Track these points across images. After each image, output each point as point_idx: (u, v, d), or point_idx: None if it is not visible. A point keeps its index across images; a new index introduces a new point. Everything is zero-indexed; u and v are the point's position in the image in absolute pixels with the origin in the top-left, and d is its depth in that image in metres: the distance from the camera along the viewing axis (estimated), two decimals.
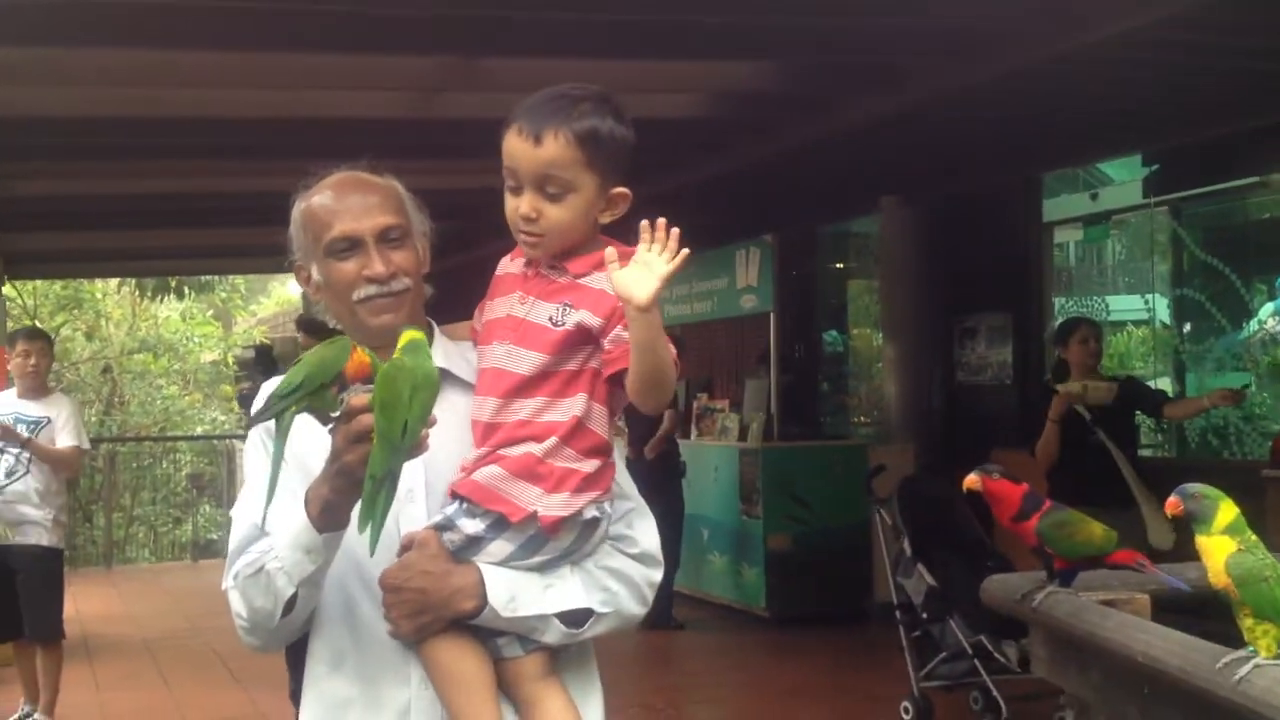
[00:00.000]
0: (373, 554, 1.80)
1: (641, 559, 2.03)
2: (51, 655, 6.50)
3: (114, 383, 20.58)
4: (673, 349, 1.85)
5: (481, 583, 1.87)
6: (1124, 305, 12.24)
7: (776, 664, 8.22)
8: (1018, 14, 5.67)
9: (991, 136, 7.98)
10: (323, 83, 6.53)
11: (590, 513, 1.91)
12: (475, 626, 1.88)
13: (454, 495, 1.91)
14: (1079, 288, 12.24)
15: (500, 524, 1.88)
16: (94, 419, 20.88)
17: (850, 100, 7.29)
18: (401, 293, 2.00)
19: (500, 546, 1.89)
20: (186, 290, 17.95)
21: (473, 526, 1.88)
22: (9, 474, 6.39)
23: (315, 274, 2.04)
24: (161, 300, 19.39)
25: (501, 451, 1.88)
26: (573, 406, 1.88)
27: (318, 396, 1.81)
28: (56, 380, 20.16)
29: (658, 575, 2.05)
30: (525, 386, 1.89)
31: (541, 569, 1.91)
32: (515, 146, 1.87)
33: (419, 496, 1.96)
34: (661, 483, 8.89)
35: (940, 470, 8.11)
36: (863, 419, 11.93)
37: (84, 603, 10.39)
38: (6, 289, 18.48)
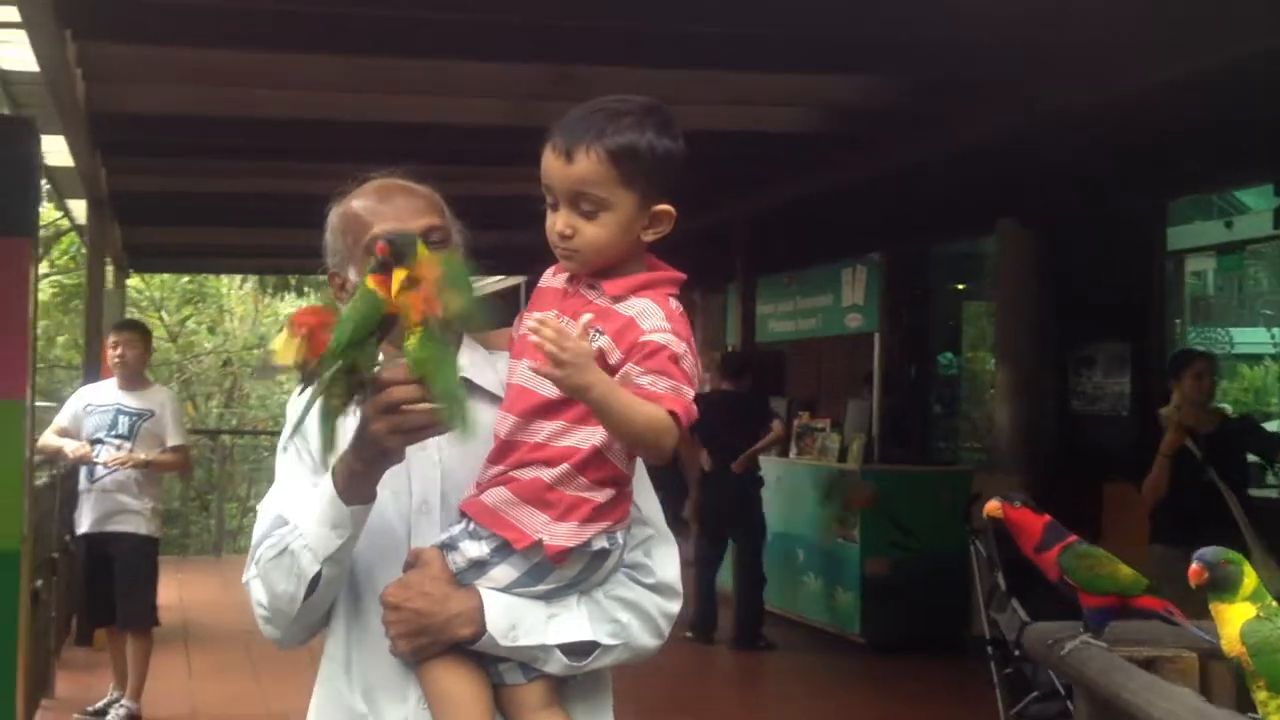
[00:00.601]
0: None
1: (658, 589, 1.93)
2: (141, 642, 6.59)
3: (234, 377, 21.07)
4: (672, 405, 1.73)
5: (481, 609, 1.80)
6: (1253, 338, 11.77)
7: (867, 692, 8.03)
8: (1144, 31, 5.45)
9: (1115, 158, 7.71)
10: (428, 88, 6.56)
11: (599, 543, 1.82)
12: (477, 651, 1.81)
13: (462, 514, 1.85)
14: (1207, 318, 11.79)
15: (504, 549, 1.80)
16: (214, 411, 21.38)
17: (966, 117, 7.12)
18: None
19: (504, 572, 1.81)
20: (306, 289, 18.29)
21: (476, 549, 1.81)
22: (108, 465, 6.49)
23: (353, 276, 1.98)
24: (282, 297, 19.80)
25: (513, 473, 1.81)
26: (593, 435, 1.78)
27: (363, 351, 1.72)
28: (179, 372, 20.77)
29: (674, 607, 1.95)
30: (547, 409, 1.80)
31: (546, 597, 1.84)
32: (549, 164, 1.81)
33: (434, 509, 1.90)
34: (746, 497, 8.88)
35: (1042, 503, 7.85)
36: (970, 445, 11.64)
37: (189, 590, 10.58)
38: (133, 281, 19.09)
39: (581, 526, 1.78)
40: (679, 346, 1.78)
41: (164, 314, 20.64)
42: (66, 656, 8.03)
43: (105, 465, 6.45)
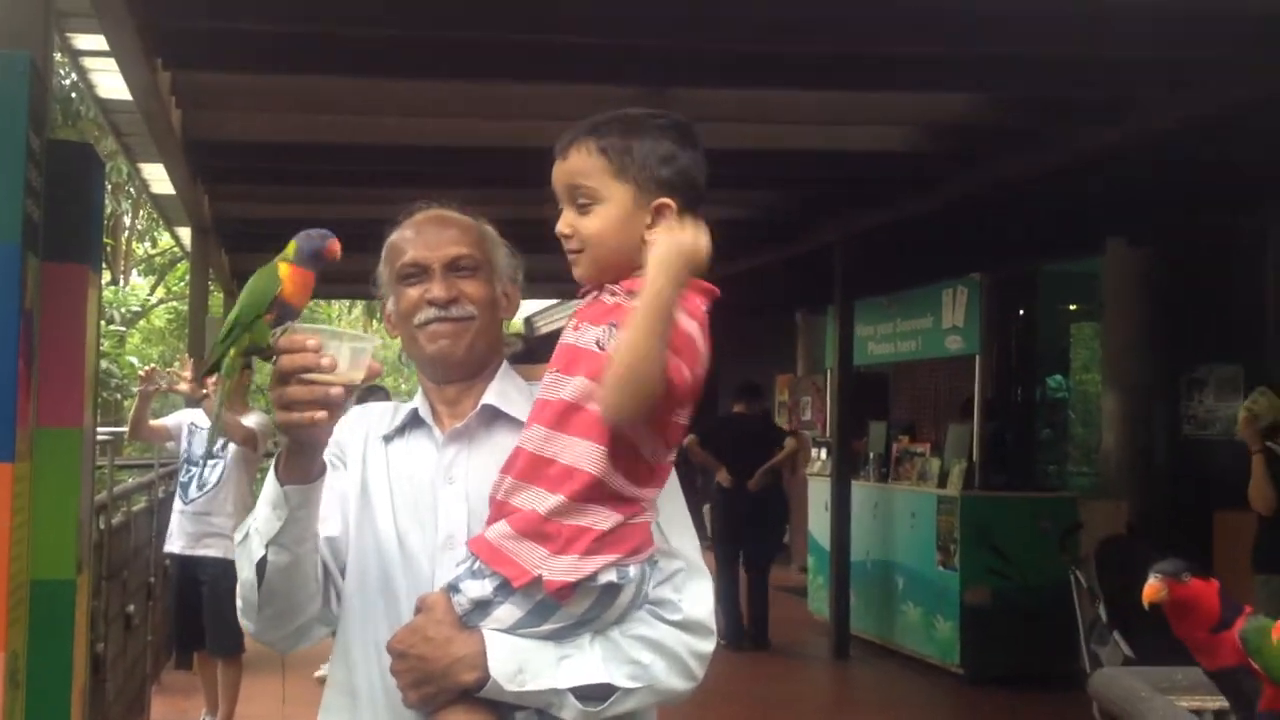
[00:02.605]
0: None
1: (686, 627, 1.81)
2: (231, 667, 6.63)
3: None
4: (674, 362, 1.64)
5: (484, 653, 1.71)
6: None
7: None
8: (1258, 43, 5.20)
9: (1226, 174, 7.42)
10: (521, 112, 6.51)
11: (606, 577, 1.70)
12: (491, 700, 1.72)
13: (469, 552, 1.76)
14: None
15: (506, 587, 1.71)
16: None
17: (1069, 133, 6.89)
18: (462, 319, 1.93)
19: (507, 612, 1.72)
20: None
21: (479, 589, 1.72)
22: (201, 486, 6.55)
23: (390, 305, 2.02)
24: None
25: (514, 502, 1.72)
26: (589, 459, 1.69)
27: (255, 330, 1.75)
28: None
29: (705, 646, 1.83)
30: (556, 419, 1.72)
31: (556, 637, 1.73)
32: (553, 171, 1.81)
33: (458, 544, 1.83)
34: (761, 513, 9.58)
35: (1148, 531, 7.57)
36: (1081, 470, 11.30)
37: None
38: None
39: (583, 560, 1.68)
40: (698, 341, 1.70)
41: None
42: (166, 680, 8.12)
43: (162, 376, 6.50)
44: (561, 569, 1.68)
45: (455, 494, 1.88)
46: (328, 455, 1.83)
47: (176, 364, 6.78)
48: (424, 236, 1.98)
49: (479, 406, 1.94)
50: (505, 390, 1.95)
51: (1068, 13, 5.17)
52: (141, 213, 22.44)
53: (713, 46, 5.61)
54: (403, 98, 6.32)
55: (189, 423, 6.74)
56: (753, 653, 9.37)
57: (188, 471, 6.61)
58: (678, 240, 1.66)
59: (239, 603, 1.86)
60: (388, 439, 1.98)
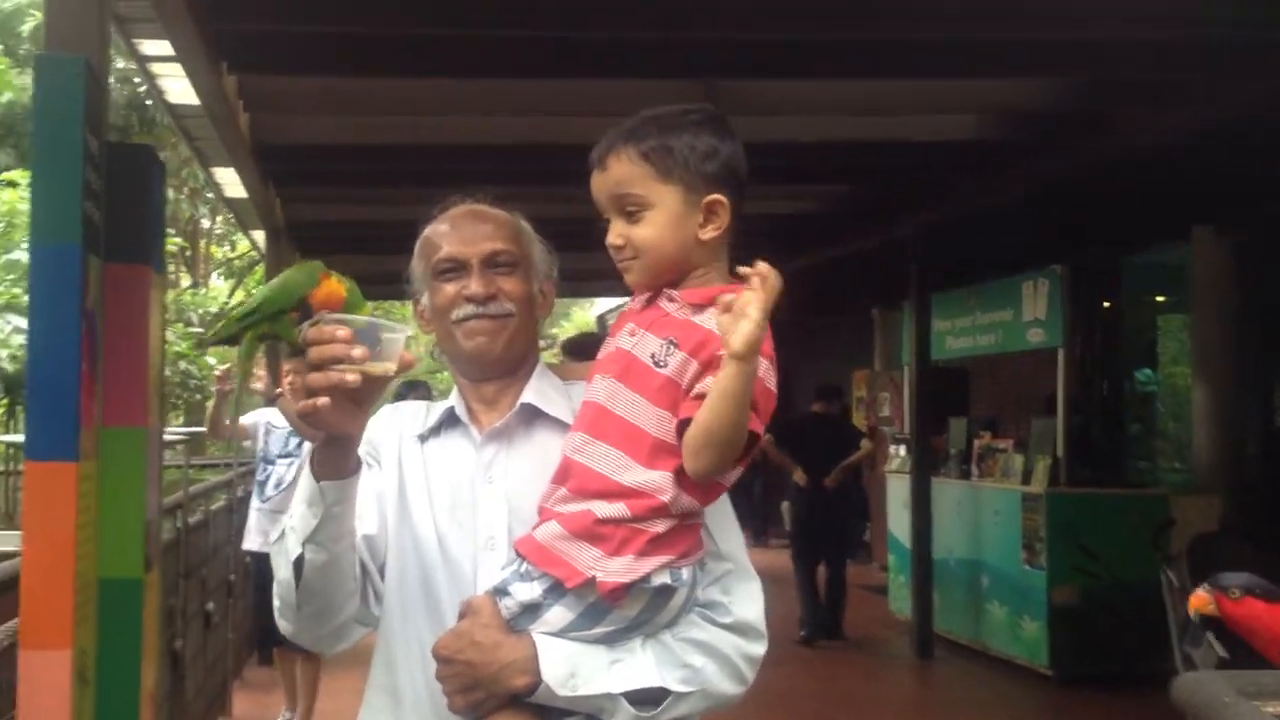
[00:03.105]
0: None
1: (736, 629, 1.77)
2: (310, 663, 6.66)
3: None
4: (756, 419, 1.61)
5: (535, 657, 1.66)
6: None
7: None
8: None
9: None
10: (575, 109, 6.46)
11: (660, 579, 1.66)
12: (540, 705, 1.67)
13: (517, 553, 1.72)
14: None
15: (557, 589, 1.66)
16: None
17: (1151, 119, 6.71)
18: (500, 316, 1.89)
19: (559, 614, 1.67)
20: None
21: (528, 592, 1.68)
22: (277, 484, 6.60)
23: (425, 300, 1.98)
24: None
25: (563, 508, 1.68)
26: (650, 472, 1.65)
27: (279, 323, 1.74)
28: None
29: (757, 649, 1.78)
30: (622, 436, 1.67)
31: (607, 641, 1.68)
32: (592, 183, 1.76)
33: (500, 545, 1.80)
34: (837, 511, 9.82)
35: (1243, 527, 7.34)
36: (1173, 465, 11.02)
37: None
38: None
39: (638, 560, 1.64)
40: (771, 379, 1.67)
41: None
42: (248, 676, 8.21)
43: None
44: (616, 570, 1.64)
45: (495, 494, 1.84)
46: (361, 453, 1.80)
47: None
48: (461, 231, 1.94)
49: (518, 405, 1.89)
50: (543, 389, 1.92)
51: None
52: (219, 217, 22.80)
53: (769, 37, 5.53)
54: (468, 96, 6.31)
55: (265, 422, 6.81)
56: (833, 650, 9.36)
57: (264, 470, 6.68)
58: (754, 323, 1.57)
59: (276, 602, 1.83)
60: (423, 438, 1.94)
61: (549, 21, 5.24)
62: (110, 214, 2.61)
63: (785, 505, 13.59)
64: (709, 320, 1.65)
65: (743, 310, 1.57)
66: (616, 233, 1.74)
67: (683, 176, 1.71)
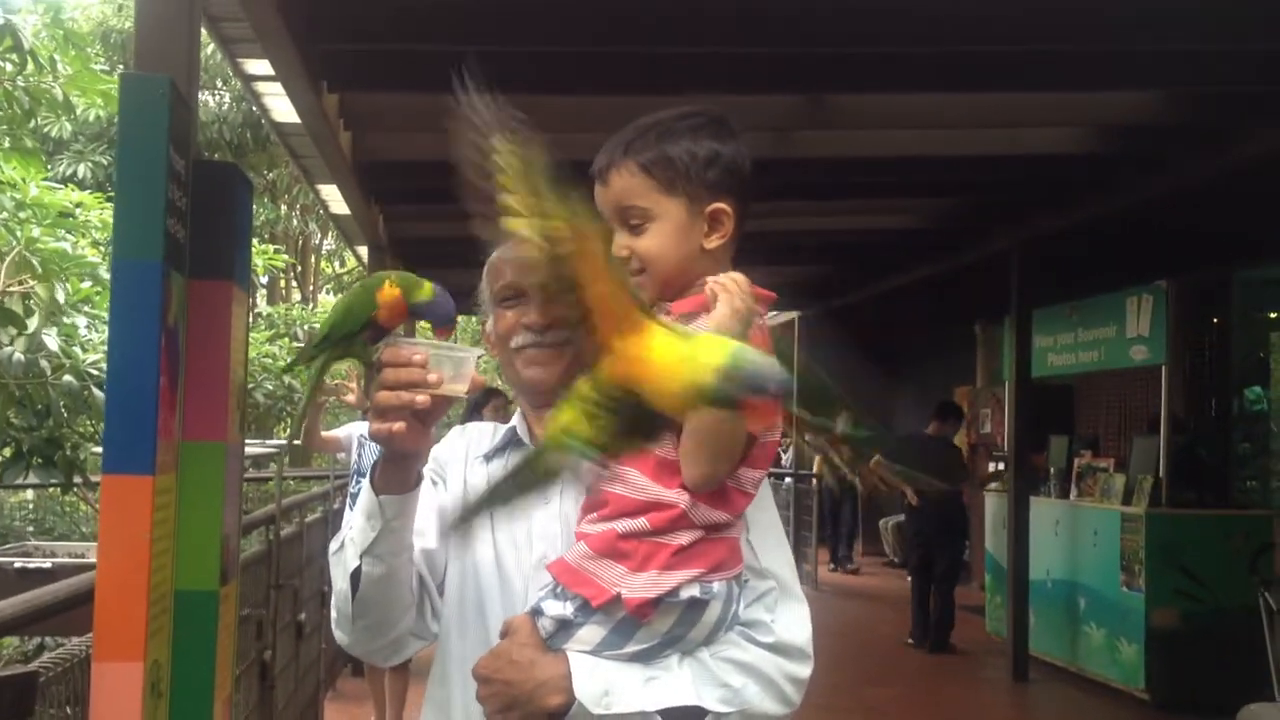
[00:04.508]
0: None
1: (779, 650, 1.73)
2: (398, 675, 6.73)
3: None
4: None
5: (569, 675, 1.65)
6: None
7: None
8: None
9: None
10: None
11: (689, 592, 1.64)
12: None
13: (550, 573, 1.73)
14: None
15: (587, 607, 1.66)
16: None
17: (1258, 130, 6.51)
18: (557, 345, 1.88)
19: (591, 632, 1.66)
20: None
21: (560, 609, 1.68)
22: (353, 497, 6.68)
23: (489, 324, 2.00)
24: None
25: (591, 527, 1.68)
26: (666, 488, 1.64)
27: (351, 346, 1.77)
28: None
29: (802, 670, 1.75)
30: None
31: (642, 658, 1.67)
32: (595, 196, 1.75)
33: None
34: (947, 527, 10.13)
35: None
36: (1278, 486, 10.65)
37: None
38: (425, 324, 19.96)
39: (662, 575, 1.62)
40: None
41: None
42: (342, 687, 8.33)
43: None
44: (640, 585, 1.62)
45: (550, 514, 1.84)
46: (427, 472, 1.83)
47: (344, 375, 6.97)
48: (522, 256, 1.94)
49: None
50: None
51: (1251, 5, 4.88)
52: (330, 233, 23.21)
53: (872, 50, 5.47)
54: (561, 112, 6.32)
55: (359, 435, 6.90)
56: (926, 669, 9.42)
57: (357, 482, 6.77)
58: (735, 296, 1.59)
59: (333, 614, 1.86)
60: (488, 458, 1.96)
61: (657, 37, 5.24)
62: (195, 230, 2.66)
63: (882, 522, 13.61)
64: (700, 327, 1.62)
65: (724, 287, 1.59)
66: (620, 244, 1.72)
67: (685, 187, 1.70)
